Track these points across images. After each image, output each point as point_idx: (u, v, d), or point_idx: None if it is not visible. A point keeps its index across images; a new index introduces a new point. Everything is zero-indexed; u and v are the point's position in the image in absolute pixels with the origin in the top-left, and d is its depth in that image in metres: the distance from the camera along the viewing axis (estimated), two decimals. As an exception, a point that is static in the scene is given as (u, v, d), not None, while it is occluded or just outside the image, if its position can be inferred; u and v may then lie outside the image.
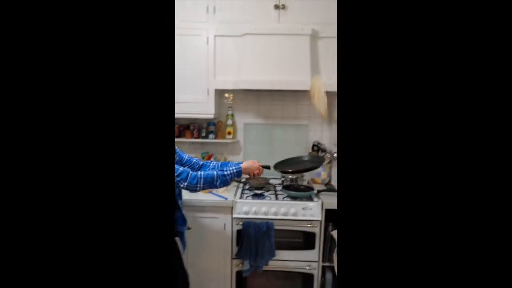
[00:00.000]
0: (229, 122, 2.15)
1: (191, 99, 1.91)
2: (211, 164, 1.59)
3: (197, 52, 1.89)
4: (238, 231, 1.73)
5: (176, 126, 2.12)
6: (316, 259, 1.76)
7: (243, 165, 1.41)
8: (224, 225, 1.75)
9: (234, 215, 1.74)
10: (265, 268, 1.71)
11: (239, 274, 1.77)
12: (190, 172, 1.32)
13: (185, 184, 1.31)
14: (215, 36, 1.88)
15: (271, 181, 2.12)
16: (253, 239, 1.68)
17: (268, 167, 1.60)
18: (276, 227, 1.72)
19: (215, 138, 2.14)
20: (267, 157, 2.22)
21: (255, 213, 1.73)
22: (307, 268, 1.75)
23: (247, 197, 1.83)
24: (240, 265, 1.74)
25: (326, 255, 1.78)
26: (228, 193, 1.86)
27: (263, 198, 1.82)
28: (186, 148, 2.13)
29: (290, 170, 1.71)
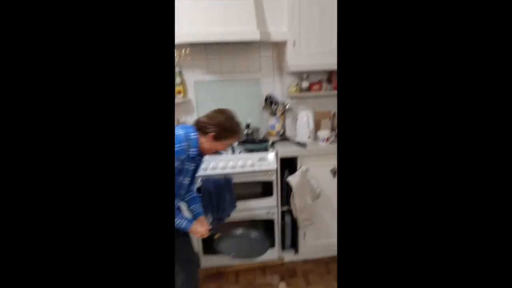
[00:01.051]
0: (177, 80, 2.04)
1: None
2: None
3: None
4: (198, 188, 1.75)
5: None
6: (275, 204, 1.87)
7: (191, 229, 1.25)
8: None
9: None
10: (228, 219, 1.78)
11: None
12: None
13: None
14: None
15: (227, 138, 2.12)
16: (214, 194, 1.71)
17: (214, 238, 1.32)
18: (235, 180, 1.76)
19: (165, 98, 2.04)
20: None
21: (213, 168, 1.75)
22: (267, 214, 1.86)
23: (203, 154, 1.82)
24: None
25: (284, 200, 1.90)
26: (184, 153, 1.83)
27: (220, 154, 1.83)
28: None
29: (232, 254, 1.28)
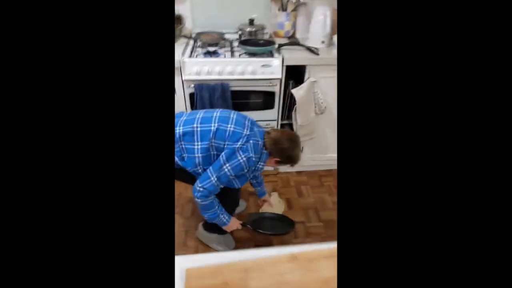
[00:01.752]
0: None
1: None
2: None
3: None
4: (191, 95, 1.57)
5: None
6: (275, 118, 1.73)
7: (227, 227, 1.30)
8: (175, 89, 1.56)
9: (184, 77, 1.53)
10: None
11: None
12: (211, 186, 1.15)
13: (201, 185, 1.14)
14: None
15: (227, 36, 1.81)
16: (208, 102, 1.55)
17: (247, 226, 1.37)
18: (233, 88, 1.57)
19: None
20: (224, 8, 1.82)
21: (208, 73, 1.53)
22: (266, 127, 1.75)
23: (197, 55, 1.57)
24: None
25: (285, 113, 1.76)
26: (175, 51, 1.57)
27: (216, 56, 1.57)
28: None
29: (269, 233, 1.37)
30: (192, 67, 1.51)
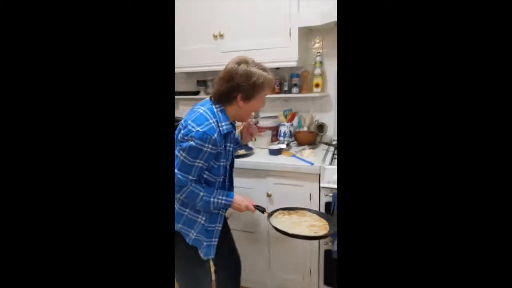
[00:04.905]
0: (317, 71, 1.74)
1: (269, 44, 1.58)
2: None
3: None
4: (327, 204, 1.41)
5: (255, 79, 1.86)
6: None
7: (235, 199, 1.08)
8: (310, 195, 1.45)
9: (322, 184, 1.41)
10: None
11: (327, 253, 1.48)
12: (182, 178, 1.00)
13: (176, 186, 1.02)
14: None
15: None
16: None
17: (262, 211, 1.16)
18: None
19: (300, 92, 1.79)
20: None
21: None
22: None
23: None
24: (330, 243, 1.44)
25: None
26: (315, 157, 1.53)
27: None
28: (266, 106, 1.86)
29: (289, 232, 1.05)
30: (332, 174, 1.39)
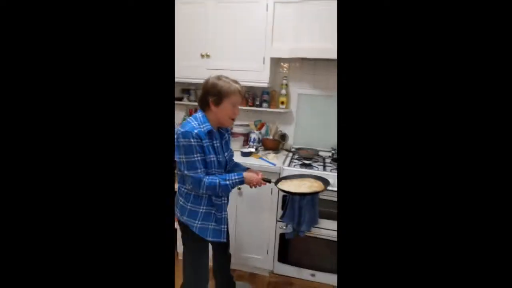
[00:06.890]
0: (283, 91, 2.17)
1: (247, 67, 1.97)
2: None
3: (255, 19, 1.91)
4: (284, 196, 1.81)
5: (232, 93, 2.22)
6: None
7: (245, 175, 1.31)
8: (271, 190, 1.84)
9: (281, 181, 1.81)
10: (307, 234, 1.78)
11: (282, 236, 1.88)
12: (195, 175, 1.24)
13: (190, 186, 1.27)
14: (274, 2, 1.86)
15: (321, 153, 2.12)
16: (297, 206, 1.75)
17: (269, 181, 1.41)
18: (322, 197, 1.75)
19: (269, 107, 2.20)
20: (321, 130, 2.21)
21: (302, 181, 1.78)
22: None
23: (295, 165, 1.88)
24: (284, 227, 1.84)
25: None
26: (277, 160, 1.93)
27: (310, 168, 1.85)
28: (240, 116, 2.23)
29: (293, 191, 1.43)
30: (288, 174, 1.81)
